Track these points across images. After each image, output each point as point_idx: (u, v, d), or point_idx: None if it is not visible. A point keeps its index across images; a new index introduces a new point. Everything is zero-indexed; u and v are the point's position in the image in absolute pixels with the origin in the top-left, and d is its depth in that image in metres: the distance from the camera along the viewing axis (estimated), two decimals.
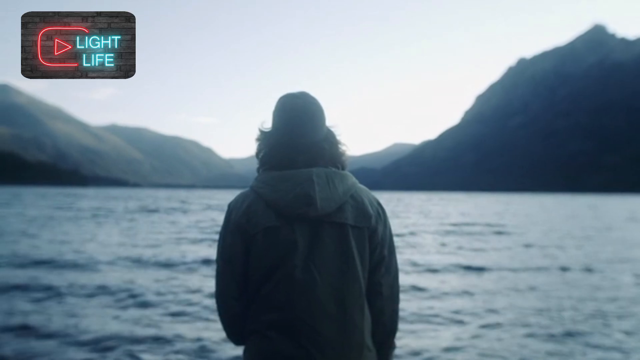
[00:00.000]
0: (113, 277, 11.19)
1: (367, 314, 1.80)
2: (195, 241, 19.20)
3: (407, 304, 8.77)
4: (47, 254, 14.45)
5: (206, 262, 13.52)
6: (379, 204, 1.88)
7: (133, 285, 10.16)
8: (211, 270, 11.66)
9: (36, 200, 62.09)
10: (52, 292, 9.43)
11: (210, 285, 9.62)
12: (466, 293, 10.10)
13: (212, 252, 15.08)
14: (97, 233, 21.87)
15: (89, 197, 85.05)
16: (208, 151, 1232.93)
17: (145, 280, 10.82)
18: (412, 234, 23.61)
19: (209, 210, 45.52)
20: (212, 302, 8.13)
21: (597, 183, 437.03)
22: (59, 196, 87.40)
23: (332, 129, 1.90)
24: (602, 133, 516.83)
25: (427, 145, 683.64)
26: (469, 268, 13.37)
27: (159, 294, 9.53)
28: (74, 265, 12.71)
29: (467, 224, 30.62)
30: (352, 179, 1.84)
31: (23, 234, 20.74)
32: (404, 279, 10.16)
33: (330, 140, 1.87)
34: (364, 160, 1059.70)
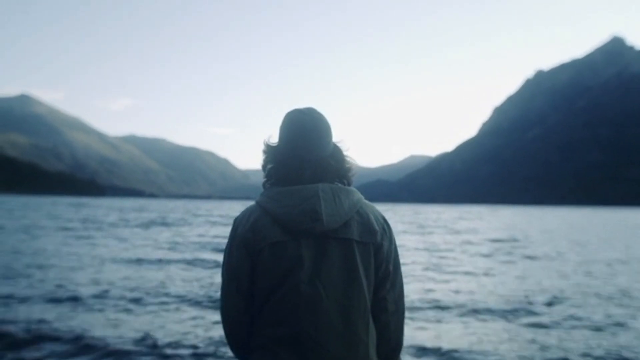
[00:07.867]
0: None
1: (373, 330, 1.80)
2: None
3: None
4: None
5: None
6: (385, 220, 1.88)
7: None
8: None
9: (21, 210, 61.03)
10: None
11: None
12: None
13: None
14: None
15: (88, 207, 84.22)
16: (224, 162, 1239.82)
17: None
18: None
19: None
20: None
21: (615, 196, 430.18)
22: (65, 207, 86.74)
23: (339, 145, 1.92)
24: (620, 145, 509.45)
25: (444, 158, 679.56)
26: None
27: None
28: None
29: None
30: (358, 195, 1.85)
31: None
32: None
33: (336, 157, 1.88)
34: (380, 172, 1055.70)
